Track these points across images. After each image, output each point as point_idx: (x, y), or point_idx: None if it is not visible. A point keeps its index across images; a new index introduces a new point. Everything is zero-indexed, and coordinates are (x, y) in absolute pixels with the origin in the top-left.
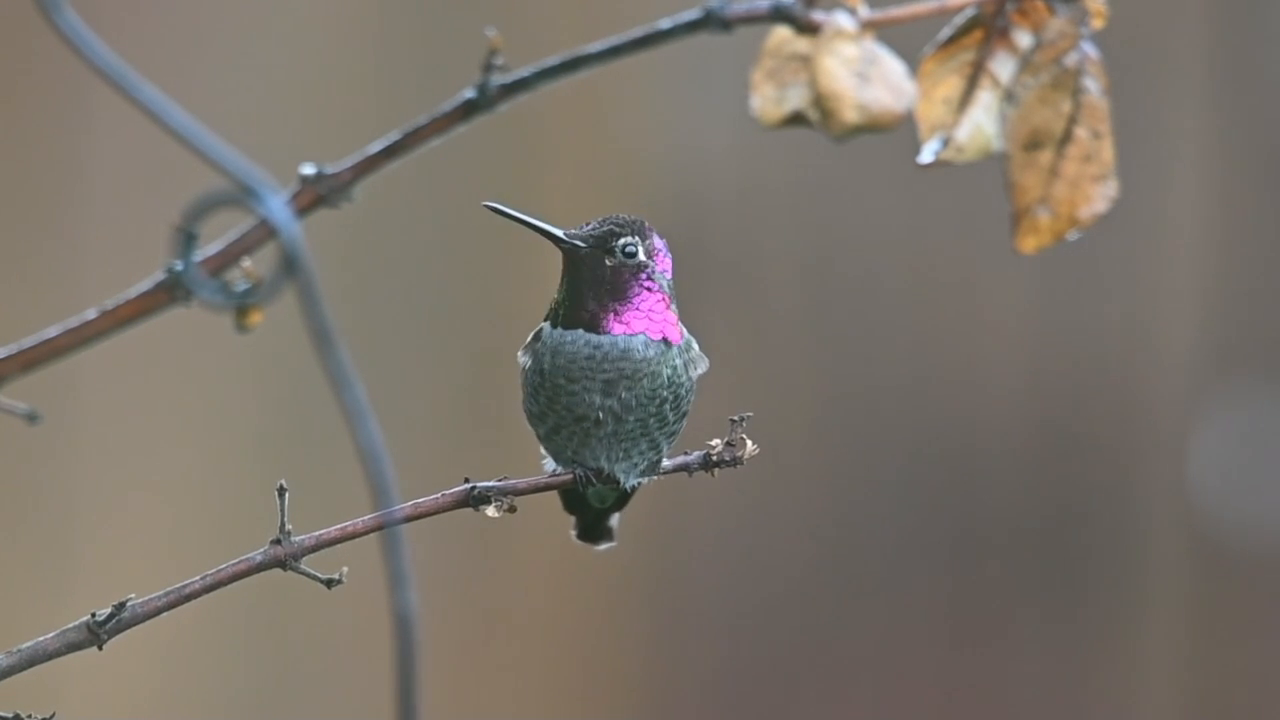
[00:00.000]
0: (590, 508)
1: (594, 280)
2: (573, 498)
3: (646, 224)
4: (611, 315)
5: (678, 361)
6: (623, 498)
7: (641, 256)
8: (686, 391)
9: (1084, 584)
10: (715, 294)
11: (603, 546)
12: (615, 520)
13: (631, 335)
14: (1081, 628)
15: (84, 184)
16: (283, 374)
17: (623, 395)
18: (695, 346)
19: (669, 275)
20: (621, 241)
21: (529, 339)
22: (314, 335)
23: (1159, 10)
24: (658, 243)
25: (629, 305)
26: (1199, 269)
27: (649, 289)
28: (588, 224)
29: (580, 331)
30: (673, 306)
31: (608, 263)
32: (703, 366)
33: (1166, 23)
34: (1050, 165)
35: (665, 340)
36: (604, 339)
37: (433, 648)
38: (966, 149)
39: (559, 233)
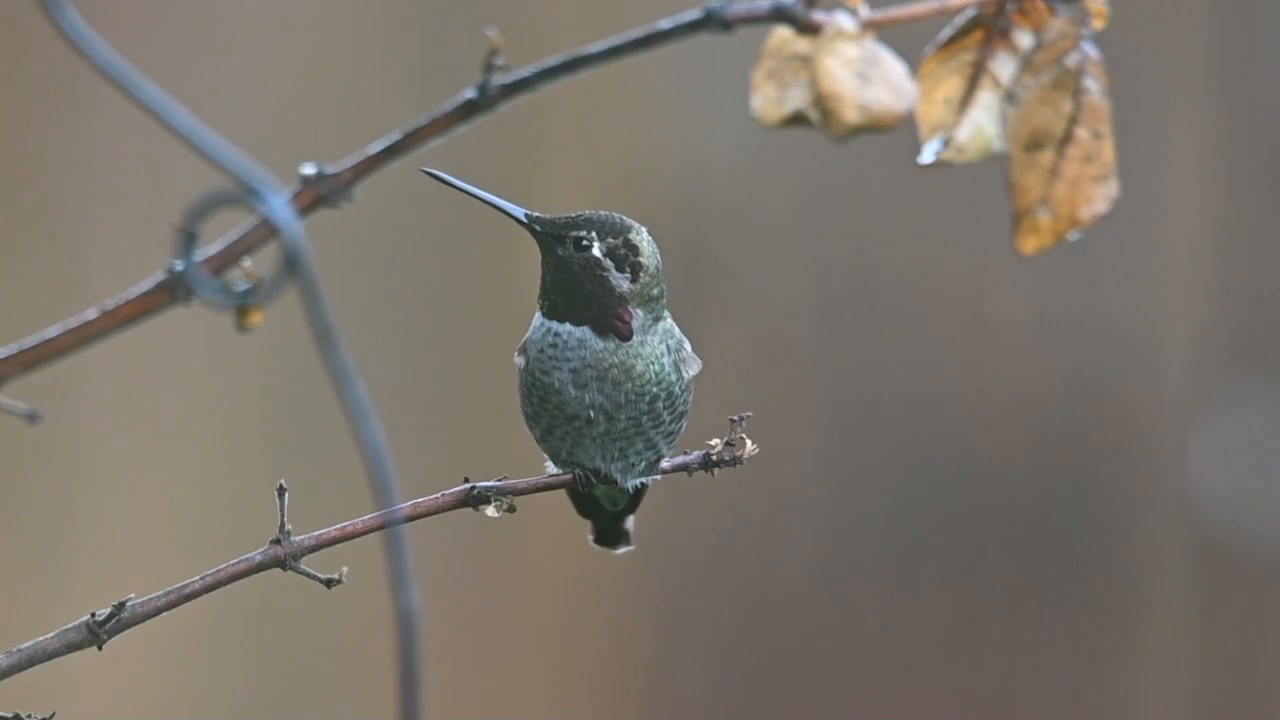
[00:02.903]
0: (604, 510)
1: (550, 267)
2: (585, 502)
3: (625, 224)
4: (561, 304)
5: (665, 361)
6: (635, 499)
7: (595, 252)
8: (681, 392)
9: (1086, 585)
10: (717, 296)
11: (621, 550)
12: (630, 523)
13: (579, 326)
14: (1084, 629)
15: (84, 184)
16: (283, 374)
17: (605, 390)
18: (688, 347)
19: (633, 276)
20: (575, 233)
21: (523, 341)
22: (316, 335)
23: (1159, 10)
24: (632, 244)
25: (574, 297)
26: (1199, 269)
27: (600, 284)
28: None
29: (542, 319)
30: (635, 306)
31: (559, 251)
32: (696, 368)
33: (1167, 23)
34: (1051, 166)
35: (615, 336)
36: (561, 328)
37: (432, 648)
38: (967, 149)
39: (519, 212)
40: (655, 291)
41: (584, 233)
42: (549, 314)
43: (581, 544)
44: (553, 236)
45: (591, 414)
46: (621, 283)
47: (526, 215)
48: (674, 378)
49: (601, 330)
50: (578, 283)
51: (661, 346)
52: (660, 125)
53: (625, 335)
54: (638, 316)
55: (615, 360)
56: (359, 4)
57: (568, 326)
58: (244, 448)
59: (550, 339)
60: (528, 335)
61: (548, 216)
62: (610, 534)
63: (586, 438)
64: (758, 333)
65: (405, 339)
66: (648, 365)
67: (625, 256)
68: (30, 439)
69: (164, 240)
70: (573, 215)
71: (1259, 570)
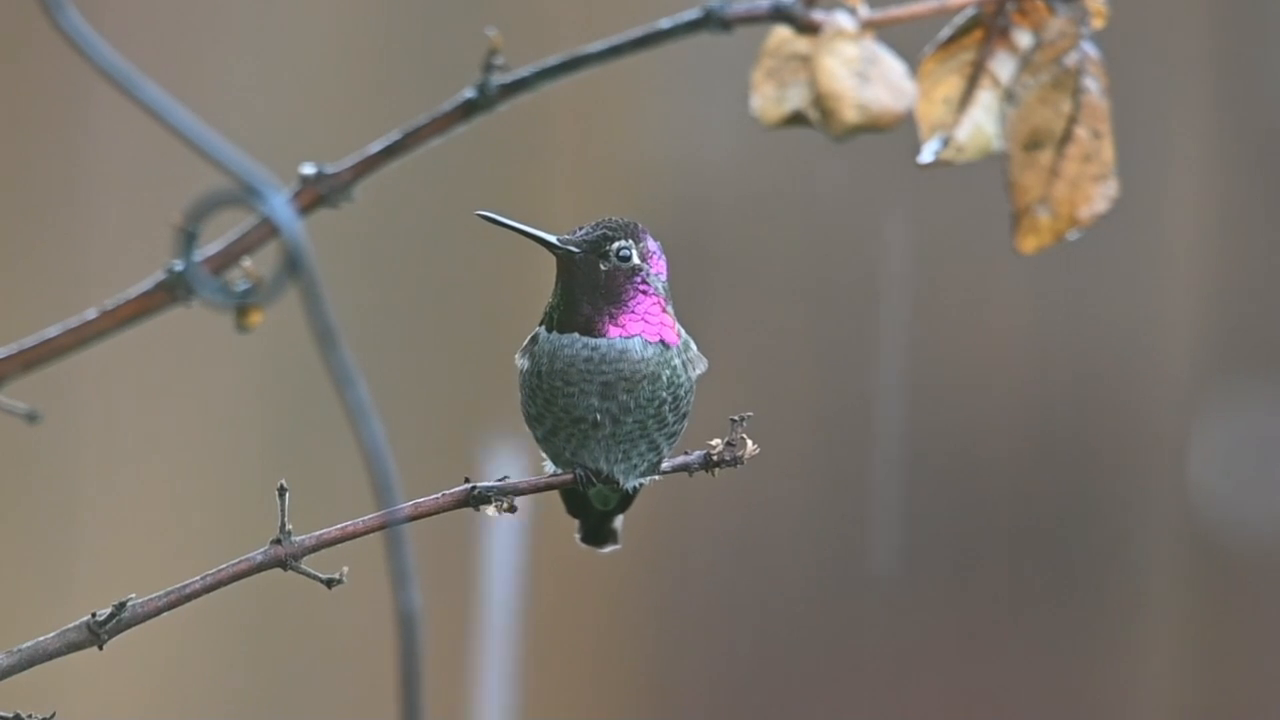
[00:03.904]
0: (594, 510)
1: (589, 285)
2: (576, 501)
3: (640, 226)
4: (607, 319)
5: (676, 362)
6: (626, 499)
7: (635, 260)
8: (686, 392)
9: (1085, 586)
10: (716, 297)
11: (608, 549)
12: (619, 522)
13: (628, 337)
14: (1083, 630)
15: (84, 184)
16: (284, 373)
17: (621, 398)
18: (693, 347)
19: (664, 277)
20: (615, 245)
21: (526, 342)
22: (316, 334)
23: (1159, 10)
24: (651, 245)
25: (624, 308)
26: (1199, 270)
27: (644, 292)
28: (581, 228)
29: (576, 335)
30: (669, 308)
31: (602, 267)
32: (701, 367)
33: (1167, 23)
34: (1050, 165)
35: (663, 342)
36: (601, 341)
37: (432, 648)
38: (966, 149)
39: (552, 239)
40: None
41: (622, 243)
42: (585, 330)
43: (586, 547)
44: (595, 254)
45: (599, 417)
46: (657, 285)
47: (560, 240)
48: (682, 378)
49: (651, 338)
50: (623, 294)
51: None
52: (659, 125)
53: (675, 342)
54: (674, 318)
55: (650, 370)
56: (359, 4)
57: (609, 340)
58: (244, 448)
59: (586, 353)
60: (538, 343)
61: (576, 236)
62: (598, 533)
63: (591, 439)
64: (757, 333)
65: (406, 338)
66: (666, 370)
67: (649, 257)
68: (30, 439)
69: (164, 240)
70: (594, 228)
71: (1258, 570)
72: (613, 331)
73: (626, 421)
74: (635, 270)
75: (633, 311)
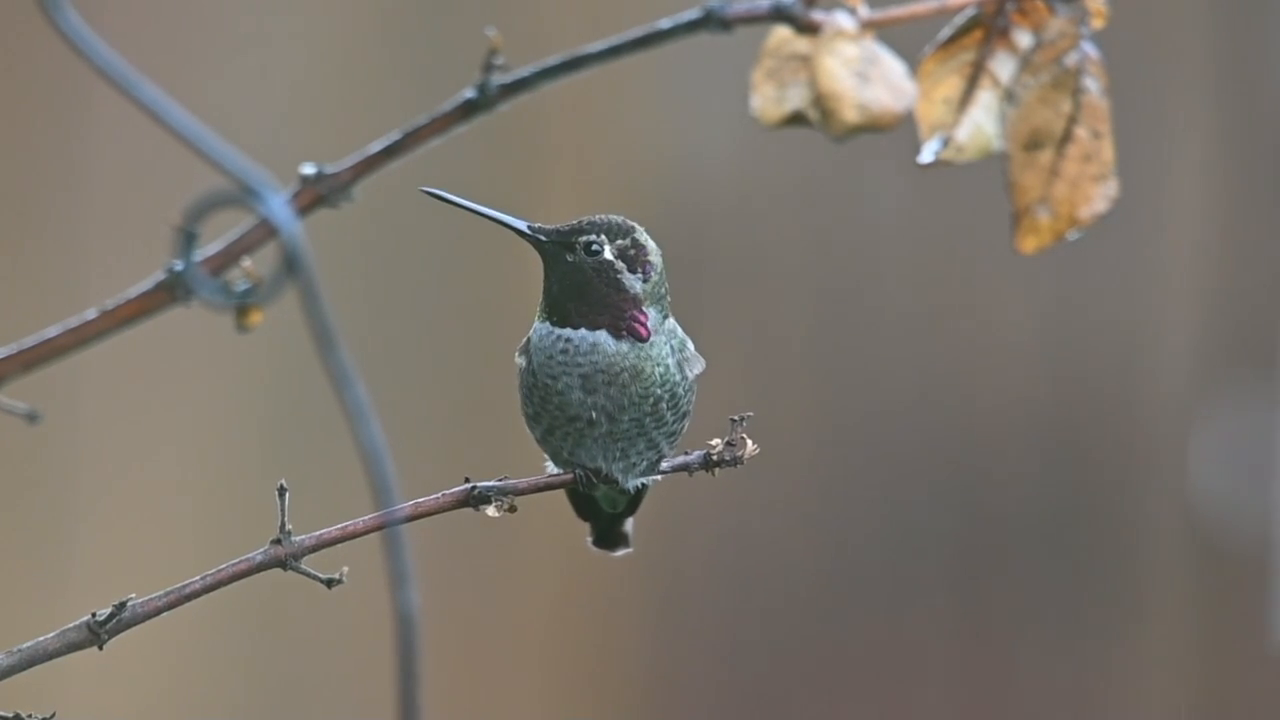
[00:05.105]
0: (603, 513)
1: (558, 276)
2: (584, 504)
3: (631, 225)
4: (572, 311)
5: (660, 356)
6: (634, 501)
7: (606, 255)
8: (684, 391)
9: (1086, 585)
10: (716, 297)
11: (620, 553)
12: (629, 526)
13: (595, 330)
14: (1084, 629)
15: (84, 184)
16: (283, 374)
17: (611, 393)
18: (690, 346)
19: (649, 276)
20: (584, 239)
21: (524, 341)
22: (315, 335)
23: (1160, 10)
24: (639, 243)
25: (591, 302)
26: (1199, 270)
27: (615, 287)
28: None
29: (550, 327)
30: (650, 306)
31: (568, 258)
32: (699, 367)
33: (1167, 23)
34: (1050, 165)
35: (632, 336)
36: (574, 334)
37: (432, 648)
38: (966, 149)
39: (522, 225)
40: (663, 290)
41: (593, 237)
42: (559, 323)
43: (581, 545)
44: (560, 245)
45: (594, 415)
46: (635, 284)
47: (529, 227)
48: (678, 378)
49: (618, 333)
50: (591, 287)
51: (666, 347)
52: (658, 127)
53: (644, 336)
54: (651, 316)
55: (627, 364)
56: (359, 4)
57: (581, 332)
58: (244, 448)
59: (561, 345)
60: (530, 338)
61: (550, 227)
62: (609, 536)
63: (588, 438)
64: (757, 335)
65: (405, 339)
66: (655, 367)
67: (635, 256)
68: (30, 439)
69: (164, 240)
70: (574, 222)
71: (1257, 570)
72: (580, 324)
73: (623, 420)
74: (605, 265)
75: (601, 305)
